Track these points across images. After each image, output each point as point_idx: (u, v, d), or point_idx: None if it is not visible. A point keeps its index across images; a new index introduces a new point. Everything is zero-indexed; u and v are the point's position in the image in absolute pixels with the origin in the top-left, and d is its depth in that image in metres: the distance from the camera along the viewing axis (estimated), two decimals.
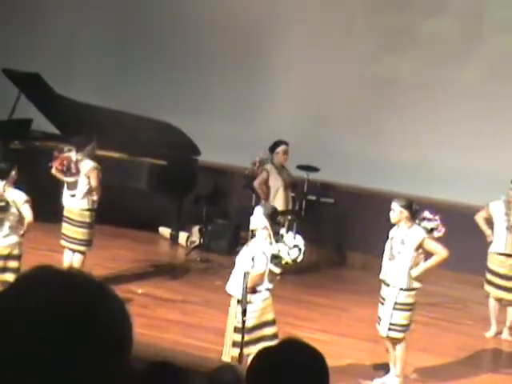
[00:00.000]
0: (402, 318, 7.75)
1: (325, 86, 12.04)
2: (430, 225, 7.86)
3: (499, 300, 9.31)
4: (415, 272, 7.63)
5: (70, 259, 9.45)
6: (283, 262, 7.36)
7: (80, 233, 9.41)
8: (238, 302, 7.18)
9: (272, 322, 7.33)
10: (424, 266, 7.68)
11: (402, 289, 7.68)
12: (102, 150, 11.20)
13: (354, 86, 11.95)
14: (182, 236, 11.64)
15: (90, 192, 9.45)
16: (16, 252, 8.38)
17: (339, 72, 12.00)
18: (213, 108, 12.25)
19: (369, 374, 8.16)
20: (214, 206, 11.74)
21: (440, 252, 7.68)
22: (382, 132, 11.65)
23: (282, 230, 7.55)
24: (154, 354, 6.00)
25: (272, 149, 10.62)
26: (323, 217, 11.61)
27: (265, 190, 10.48)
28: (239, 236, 11.34)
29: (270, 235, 7.27)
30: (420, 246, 7.66)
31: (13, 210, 8.38)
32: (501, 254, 9.37)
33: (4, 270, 8.32)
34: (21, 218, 8.41)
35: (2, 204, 8.35)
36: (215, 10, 12.36)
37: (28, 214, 8.33)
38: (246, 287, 7.10)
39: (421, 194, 10.27)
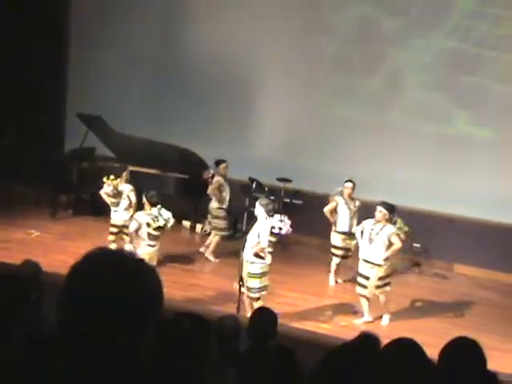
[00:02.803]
0: (255, 283, 7.53)
1: (295, 121, 12.06)
2: (274, 223, 7.75)
3: (338, 264, 9.38)
4: (252, 251, 7.52)
5: (211, 239, 10.02)
6: (154, 226, 8.07)
7: (217, 222, 9.95)
8: None
9: None
10: (253, 250, 7.51)
11: (250, 262, 7.55)
12: (143, 168, 11.24)
13: (317, 121, 11.93)
14: (198, 226, 11.61)
15: (215, 196, 9.92)
16: (127, 224, 8.84)
17: (307, 110, 11.99)
18: (218, 137, 12.20)
19: (323, 317, 8.22)
20: None
21: (261, 242, 7.46)
22: (338, 153, 11.60)
23: (158, 206, 8.13)
24: (177, 307, 5.99)
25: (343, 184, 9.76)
26: (294, 213, 11.58)
27: (334, 215, 9.49)
28: (237, 226, 11.34)
29: (147, 209, 8.12)
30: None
31: (124, 196, 8.93)
32: (342, 233, 9.27)
33: (121, 233, 9.00)
34: (130, 202, 8.96)
35: (118, 192, 8.93)
36: (222, 66, 12.32)
37: (133, 199, 8.93)
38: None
39: (367, 199, 10.31)
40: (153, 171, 11.27)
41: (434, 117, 11.27)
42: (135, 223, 8.11)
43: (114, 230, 9.09)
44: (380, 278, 8.10)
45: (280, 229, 7.83)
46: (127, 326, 1.51)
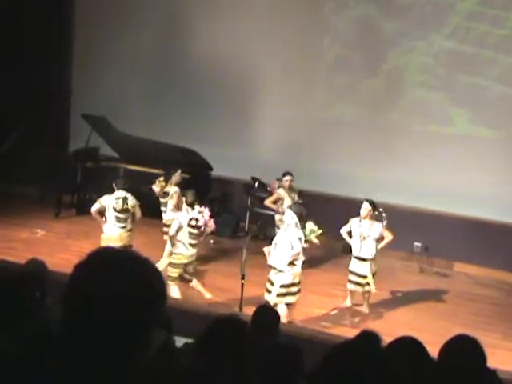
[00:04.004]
0: (170, 272, 7.85)
1: (296, 122, 12.06)
2: (193, 215, 7.89)
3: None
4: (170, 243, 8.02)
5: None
6: (119, 209, 8.43)
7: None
8: None
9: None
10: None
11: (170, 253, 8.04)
12: (145, 168, 11.24)
13: (315, 124, 11.94)
14: None
15: (271, 208, 9.81)
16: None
17: (305, 113, 11.99)
18: (221, 138, 12.24)
19: (324, 315, 8.20)
20: (222, 204, 11.73)
21: (169, 232, 7.94)
22: (338, 153, 11.60)
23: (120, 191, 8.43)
24: (180, 306, 5.98)
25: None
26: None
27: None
28: (239, 225, 11.34)
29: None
30: None
31: (169, 197, 9.22)
32: (356, 258, 8.24)
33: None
34: (177, 203, 9.08)
35: (165, 193, 9.27)
36: (224, 67, 12.33)
37: (174, 201, 9.10)
38: None
39: (361, 197, 10.30)
40: (155, 171, 11.27)
41: (435, 117, 11.27)
42: (97, 204, 8.46)
43: (165, 228, 9.35)
44: (282, 286, 7.42)
45: (196, 220, 7.84)
46: (129, 326, 1.51)
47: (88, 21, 13.18)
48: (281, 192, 9.65)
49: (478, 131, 11.05)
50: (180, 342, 3.72)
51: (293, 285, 7.44)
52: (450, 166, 11.00)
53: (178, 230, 7.80)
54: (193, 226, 7.82)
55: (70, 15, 13.34)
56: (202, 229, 7.89)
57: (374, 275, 8.31)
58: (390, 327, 7.67)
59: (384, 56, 11.58)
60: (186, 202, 7.94)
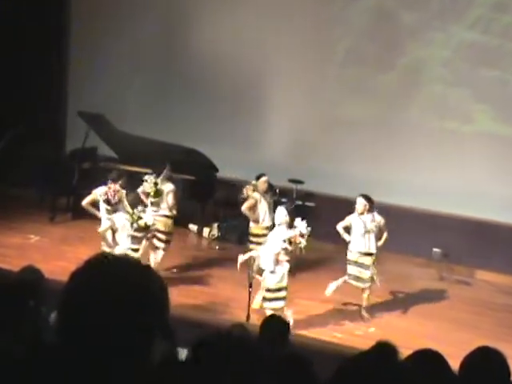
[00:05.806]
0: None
1: (307, 122, 12.03)
2: (104, 189, 8.54)
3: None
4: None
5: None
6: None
7: None
8: None
9: None
10: None
11: None
12: (147, 169, 11.21)
13: (327, 123, 11.91)
14: (205, 230, 11.58)
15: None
16: None
17: (316, 112, 11.98)
18: (227, 139, 12.25)
19: (337, 325, 8.19)
20: (228, 208, 11.72)
21: (82, 203, 8.76)
22: (347, 156, 11.59)
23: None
24: (184, 314, 5.97)
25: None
26: (307, 216, 11.56)
27: None
28: (246, 230, 11.33)
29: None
30: None
31: None
32: (360, 253, 8.54)
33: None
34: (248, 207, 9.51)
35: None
36: (230, 65, 12.34)
37: (247, 204, 9.53)
38: None
39: (382, 201, 10.28)
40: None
41: (455, 114, 11.23)
42: (90, 195, 8.70)
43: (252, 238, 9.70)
44: None
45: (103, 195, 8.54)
46: (127, 332, 1.52)
47: (86, 17, 13.22)
48: (352, 216, 8.93)
49: (502, 129, 11.00)
50: (183, 353, 3.73)
51: None
52: (471, 166, 10.94)
53: (91, 203, 8.57)
54: (103, 201, 8.49)
55: (67, 11, 13.39)
56: (111, 203, 8.47)
57: (272, 290, 7.90)
58: (408, 338, 7.64)
59: (400, 49, 11.55)
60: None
